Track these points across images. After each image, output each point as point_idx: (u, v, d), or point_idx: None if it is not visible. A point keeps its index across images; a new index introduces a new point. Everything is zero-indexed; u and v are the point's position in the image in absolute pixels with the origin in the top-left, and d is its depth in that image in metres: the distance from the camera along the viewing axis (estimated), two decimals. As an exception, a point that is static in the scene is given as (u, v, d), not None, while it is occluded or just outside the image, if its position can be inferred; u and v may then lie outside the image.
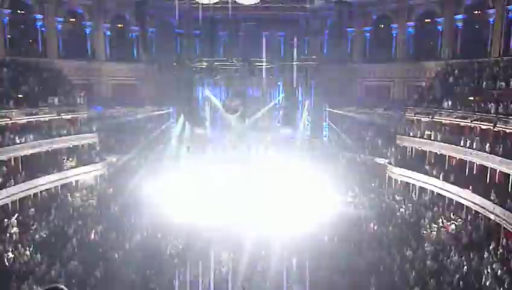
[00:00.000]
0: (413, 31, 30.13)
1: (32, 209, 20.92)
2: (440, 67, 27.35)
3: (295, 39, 27.73)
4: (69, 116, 25.46)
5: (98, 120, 27.20)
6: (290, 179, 23.46)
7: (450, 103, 23.30)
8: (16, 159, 21.89)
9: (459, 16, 27.31)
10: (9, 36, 26.87)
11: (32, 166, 22.37)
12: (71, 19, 30.00)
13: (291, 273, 16.99)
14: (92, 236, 19.93)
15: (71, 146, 25.07)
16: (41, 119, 23.89)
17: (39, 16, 27.87)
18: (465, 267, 16.06)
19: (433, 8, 28.70)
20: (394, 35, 30.78)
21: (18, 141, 21.91)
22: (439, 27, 28.44)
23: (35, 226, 19.56)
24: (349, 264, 17.70)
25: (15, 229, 18.67)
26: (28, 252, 17.53)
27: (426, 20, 29.52)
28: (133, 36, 32.33)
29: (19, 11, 27.35)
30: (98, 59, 30.90)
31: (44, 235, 19.32)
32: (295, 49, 27.35)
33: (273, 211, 20.91)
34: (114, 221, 21.61)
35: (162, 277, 17.15)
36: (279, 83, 28.04)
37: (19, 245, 17.80)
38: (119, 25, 32.11)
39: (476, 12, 26.78)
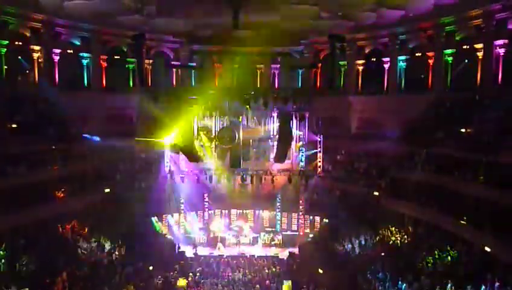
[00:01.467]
0: (405, 64, 30.93)
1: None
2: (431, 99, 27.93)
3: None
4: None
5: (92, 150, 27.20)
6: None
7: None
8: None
9: (449, 51, 28.16)
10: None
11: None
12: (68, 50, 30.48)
13: None
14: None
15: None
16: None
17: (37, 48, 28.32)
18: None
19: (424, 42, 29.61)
20: (386, 69, 31.54)
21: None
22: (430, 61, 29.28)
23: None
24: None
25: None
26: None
27: (417, 54, 30.40)
28: (129, 67, 32.89)
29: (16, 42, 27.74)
30: (94, 89, 31.21)
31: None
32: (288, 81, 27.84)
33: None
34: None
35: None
36: (273, 114, 28.31)
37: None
38: (116, 57, 32.66)
39: (465, 46, 27.58)
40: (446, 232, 20.93)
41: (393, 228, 23.31)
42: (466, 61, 27.68)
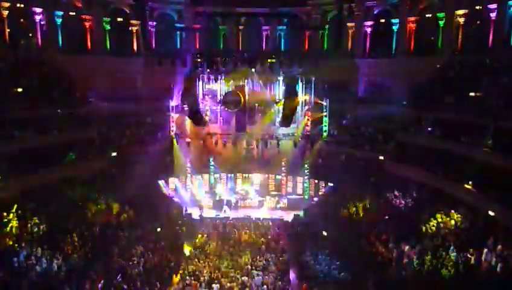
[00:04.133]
0: (414, 26, 30.04)
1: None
2: (441, 62, 27.30)
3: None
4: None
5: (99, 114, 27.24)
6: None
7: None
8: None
9: (460, 12, 27.22)
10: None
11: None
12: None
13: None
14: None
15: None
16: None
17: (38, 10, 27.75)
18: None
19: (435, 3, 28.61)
20: (395, 30, 30.68)
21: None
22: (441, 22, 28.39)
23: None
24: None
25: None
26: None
27: (427, 15, 29.47)
28: (133, 30, 32.26)
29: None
30: (98, 53, 30.79)
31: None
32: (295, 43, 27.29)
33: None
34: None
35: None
36: (279, 78, 27.94)
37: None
38: (119, 19, 31.98)
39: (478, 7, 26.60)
40: (450, 196, 20.99)
41: (397, 194, 23.40)
42: (478, 22, 26.79)
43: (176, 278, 18.50)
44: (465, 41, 27.54)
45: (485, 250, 16.07)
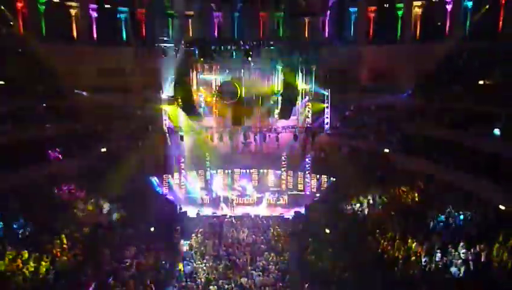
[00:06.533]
0: (420, 10, 29.96)
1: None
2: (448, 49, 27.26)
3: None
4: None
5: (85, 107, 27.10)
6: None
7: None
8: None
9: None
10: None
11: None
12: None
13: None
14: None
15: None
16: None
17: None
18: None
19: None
20: (400, 15, 30.57)
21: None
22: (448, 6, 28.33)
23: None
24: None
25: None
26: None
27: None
28: (122, 18, 32.01)
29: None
30: (84, 42, 30.56)
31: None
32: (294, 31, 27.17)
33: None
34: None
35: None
36: (278, 66, 27.85)
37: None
38: (107, 6, 31.70)
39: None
40: (459, 190, 21.05)
41: (404, 187, 23.43)
42: (487, 6, 26.71)
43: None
44: (474, 27, 27.47)
45: (496, 245, 16.15)
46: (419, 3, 29.80)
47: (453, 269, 16.22)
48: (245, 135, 28.53)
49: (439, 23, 29.51)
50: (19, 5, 27.67)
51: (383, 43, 31.50)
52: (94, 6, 30.85)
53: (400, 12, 30.58)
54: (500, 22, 25.42)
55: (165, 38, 31.16)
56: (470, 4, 27.48)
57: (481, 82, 23.49)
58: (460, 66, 25.83)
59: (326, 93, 27.92)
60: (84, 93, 28.05)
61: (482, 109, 21.74)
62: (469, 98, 22.79)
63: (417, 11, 30.06)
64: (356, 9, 32.19)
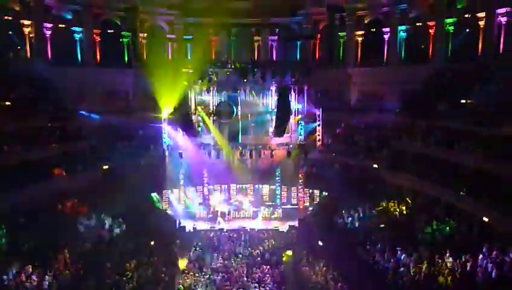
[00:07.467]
0: (405, 34, 30.66)
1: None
2: (432, 70, 27.84)
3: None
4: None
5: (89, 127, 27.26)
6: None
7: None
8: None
9: (450, 20, 27.88)
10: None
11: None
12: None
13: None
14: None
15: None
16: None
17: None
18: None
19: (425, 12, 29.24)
20: (386, 39, 31.25)
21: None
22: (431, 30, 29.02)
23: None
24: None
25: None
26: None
27: (418, 24, 30.09)
28: (124, 42, 32.47)
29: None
30: (88, 65, 30.91)
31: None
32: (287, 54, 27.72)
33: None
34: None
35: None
36: (271, 88, 28.31)
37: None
38: (110, 31, 32.19)
39: (467, 15, 27.25)
40: (445, 204, 21.30)
41: (392, 202, 23.64)
42: (467, 30, 27.42)
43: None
44: (456, 50, 28.12)
45: (480, 256, 16.32)
46: (404, 27, 30.49)
47: (441, 279, 16.35)
48: (241, 152, 28.79)
49: (422, 46, 30.17)
50: (26, 30, 28.07)
51: (371, 65, 32.11)
52: (97, 31, 31.28)
53: (386, 36, 31.22)
54: (480, 45, 26.07)
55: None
56: (451, 29, 28.18)
57: (463, 101, 23.94)
58: (444, 85, 26.28)
59: (317, 112, 28.30)
60: (93, 115, 28.19)
61: (466, 128, 22.11)
62: (453, 117, 23.19)
63: (402, 35, 30.74)
64: (345, 33, 32.83)
